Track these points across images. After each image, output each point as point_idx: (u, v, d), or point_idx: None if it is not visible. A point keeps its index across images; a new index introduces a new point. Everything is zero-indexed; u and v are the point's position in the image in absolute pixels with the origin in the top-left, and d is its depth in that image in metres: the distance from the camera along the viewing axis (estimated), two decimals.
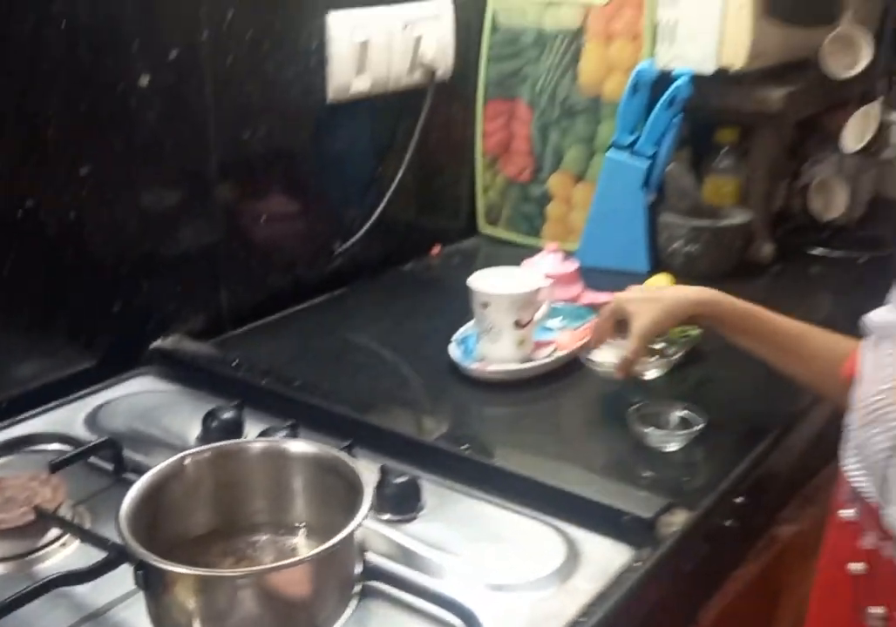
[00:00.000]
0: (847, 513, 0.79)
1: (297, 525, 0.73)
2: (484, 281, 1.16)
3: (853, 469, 0.78)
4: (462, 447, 0.94)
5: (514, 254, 1.42)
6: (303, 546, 0.72)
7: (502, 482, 0.89)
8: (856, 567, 0.78)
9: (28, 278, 1.03)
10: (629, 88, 1.41)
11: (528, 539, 0.83)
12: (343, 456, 0.70)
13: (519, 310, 1.14)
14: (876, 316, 0.81)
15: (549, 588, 0.76)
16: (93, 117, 1.06)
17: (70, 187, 1.05)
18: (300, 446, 0.72)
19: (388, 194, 1.44)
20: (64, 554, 0.81)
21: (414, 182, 1.51)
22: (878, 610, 0.76)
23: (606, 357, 1.09)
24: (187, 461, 0.71)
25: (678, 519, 0.84)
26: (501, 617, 0.73)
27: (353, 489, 0.68)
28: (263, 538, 0.73)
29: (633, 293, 1.04)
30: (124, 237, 1.12)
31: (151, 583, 0.62)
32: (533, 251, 1.42)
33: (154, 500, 0.68)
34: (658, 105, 1.40)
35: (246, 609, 0.61)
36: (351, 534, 0.63)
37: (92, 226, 1.08)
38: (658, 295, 1.02)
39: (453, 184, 1.61)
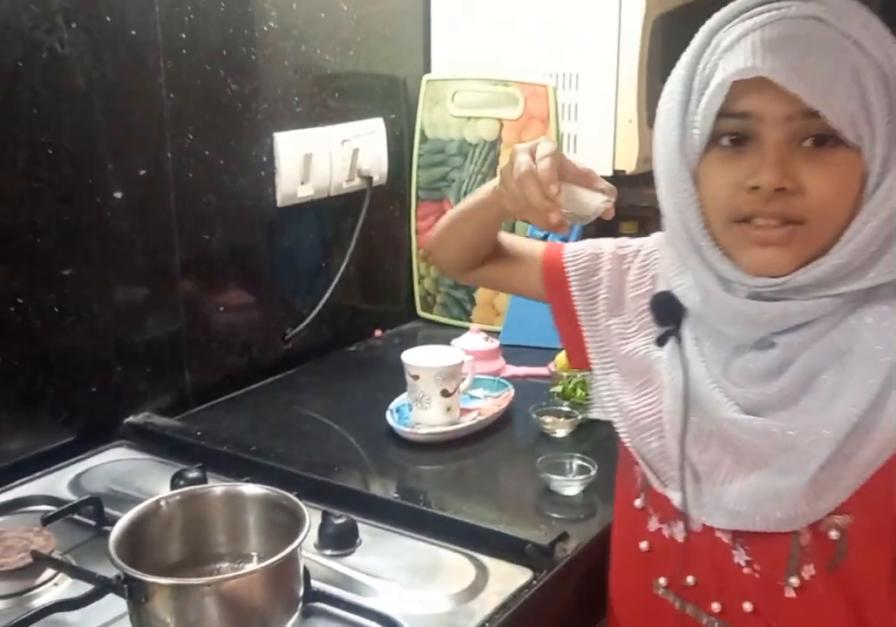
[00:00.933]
0: (638, 502, 0.95)
1: (251, 554, 0.90)
2: (415, 356, 1.35)
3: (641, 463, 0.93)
4: (393, 495, 1.11)
5: (447, 335, 1.61)
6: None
7: (426, 522, 1.06)
8: (644, 545, 0.94)
9: (16, 364, 1.20)
10: None
11: (447, 564, 1.00)
12: (289, 495, 0.87)
13: (444, 380, 1.32)
14: None
15: (462, 602, 0.93)
16: (74, 226, 1.25)
17: (54, 286, 1.23)
18: (253, 489, 0.89)
19: (334, 284, 1.63)
20: (56, 591, 0.96)
21: (357, 273, 1.71)
22: (662, 580, 0.93)
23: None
24: (162, 502, 0.88)
25: (571, 546, 1.01)
26: (422, 624, 0.89)
27: (297, 521, 0.85)
28: (224, 565, 0.89)
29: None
30: (100, 327, 1.30)
31: (135, 594, 0.77)
32: (464, 332, 1.61)
33: (135, 534, 0.84)
34: None
35: (210, 614, 0.77)
36: (294, 551, 0.80)
37: (72, 319, 1.26)
38: None
39: (392, 274, 1.82)
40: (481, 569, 0.98)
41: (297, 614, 0.84)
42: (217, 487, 0.89)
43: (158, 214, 1.36)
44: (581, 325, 0.99)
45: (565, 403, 1.35)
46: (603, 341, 0.97)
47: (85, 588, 0.92)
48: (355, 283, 1.72)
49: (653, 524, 0.93)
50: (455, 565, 0.99)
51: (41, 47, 1.19)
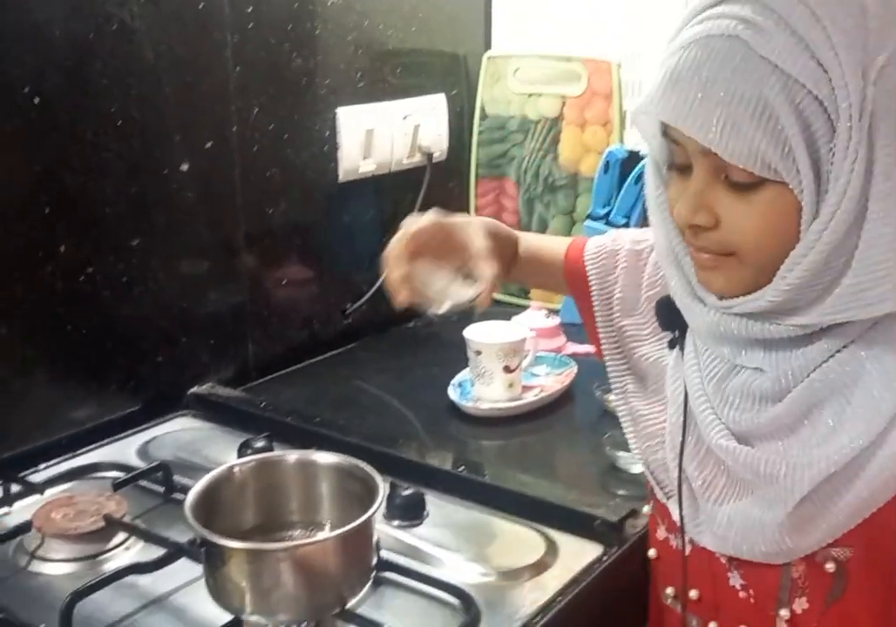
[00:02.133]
0: (646, 509, 0.93)
1: (323, 522, 0.90)
2: (477, 332, 1.34)
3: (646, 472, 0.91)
4: (459, 468, 1.11)
5: (506, 313, 1.60)
6: None
7: (494, 496, 1.06)
8: (652, 553, 0.92)
9: (85, 333, 1.21)
10: (601, 167, 1.61)
11: (515, 538, 0.99)
12: (362, 464, 0.87)
13: (507, 356, 1.31)
14: None
15: (532, 575, 0.93)
16: (141, 198, 1.26)
17: (122, 257, 1.24)
18: (327, 457, 0.89)
19: None
20: (128, 555, 0.97)
21: None
22: (670, 590, 0.90)
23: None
24: (235, 469, 0.88)
25: (640, 523, 1.00)
26: (491, 598, 0.89)
27: (369, 490, 0.85)
28: (296, 532, 0.89)
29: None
30: (165, 298, 1.31)
31: (211, 558, 0.78)
32: (522, 310, 1.61)
33: (210, 499, 0.85)
34: (627, 181, 1.59)
35: (285, 580, 0.77)
36: (369, 519, 0.80)
37: (140, 289, 1.27)
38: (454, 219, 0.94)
39: None
40: (550, 543, 0.97)
41: (369, 583, 0.84)
42: (290, 455, 0.90)
43: (223, 187, 1.37)
44: (597, 325, 0.95)
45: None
46: (617, 342, 0.93)
47: (156, 552, 0.93)
48: None
49: (661, 532, 0.90)
50: (524, 538, 0.99)
51: (111, 20, 1.19)
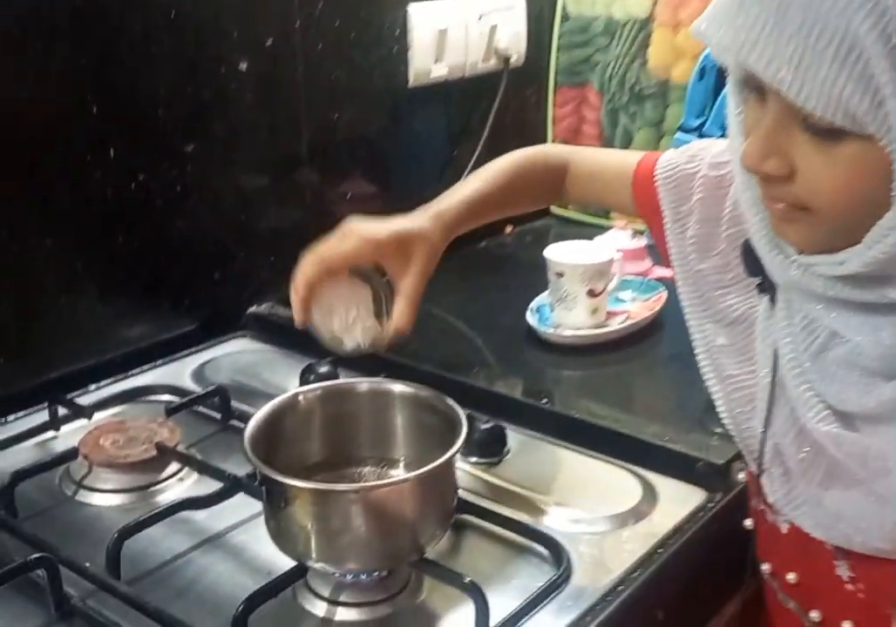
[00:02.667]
0: (741, 475, 0.83)
1: (398, 458, 0.80)
2: (559, 252, 1.22)
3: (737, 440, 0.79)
4: (542, 401, 1.00)
5: (583, 234, 1.47)
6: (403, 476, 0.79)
7: (582, 432, 0.96)
8: (748, 523, 0.81)
9: (138, 247, 1.12)
10: (696, 73, 1.46)
11: (607, 480, 0.89)
12: (442, 396, 0.77)
13: (592, 279, 1.20)
14: None
15: (629, 523, 0.83)
16: (197, 99, 1.15)
17: (176, 163, 1.14)
18: (402, 387, 0.79)
19: (465, 175, 1.50)
20: (182, 487, 0.89)
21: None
22: (766, 567, 0.79)
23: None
24: (300, 397, 0.79)
25: None
26: (584, 548, 0.79)
27: (449, 425, 0.75)
28: (367, 469, 0.80)
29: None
30: (223, 210, 1.21)
31: (273, 498, 0.69)
32: (602, 230, 1.48)
33: (271, 430, 0.75)
34: (724, 89, 1.44)
35: (356, 523, 0.68)
36: (450, 460, 0.70)
37: (195, 199, 1.17)
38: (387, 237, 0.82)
39: None
40: (647, 488, 0.87)
41: (448, 529, 0.75)
42: (362, 383, 0.80)
43: (285, 90, 1.25)
44: (673, 265, 0.82)
45: None
46: (696, 289, 0.80)
47: (211, 485, 0.85)
48: None
49: (756, 503, 0.79)
50: (617, 481, 0.89)
51: None
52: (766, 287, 0.72)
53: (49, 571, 0.72)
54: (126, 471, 0.88)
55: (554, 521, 0.83)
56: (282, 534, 0.71)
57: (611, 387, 1.11)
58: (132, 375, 1.10)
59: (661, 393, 1.11)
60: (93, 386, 1.07)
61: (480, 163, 1.52)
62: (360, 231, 0.81)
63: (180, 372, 1.11)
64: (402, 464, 0.80)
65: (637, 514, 0.83)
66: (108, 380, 1.08)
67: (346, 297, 0.78)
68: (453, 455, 0.70)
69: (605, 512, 0.84)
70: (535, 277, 1.39)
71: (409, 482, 0.70)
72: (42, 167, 1.02)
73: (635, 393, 1.12)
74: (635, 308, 1.27)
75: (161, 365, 1.12)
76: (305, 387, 0.80)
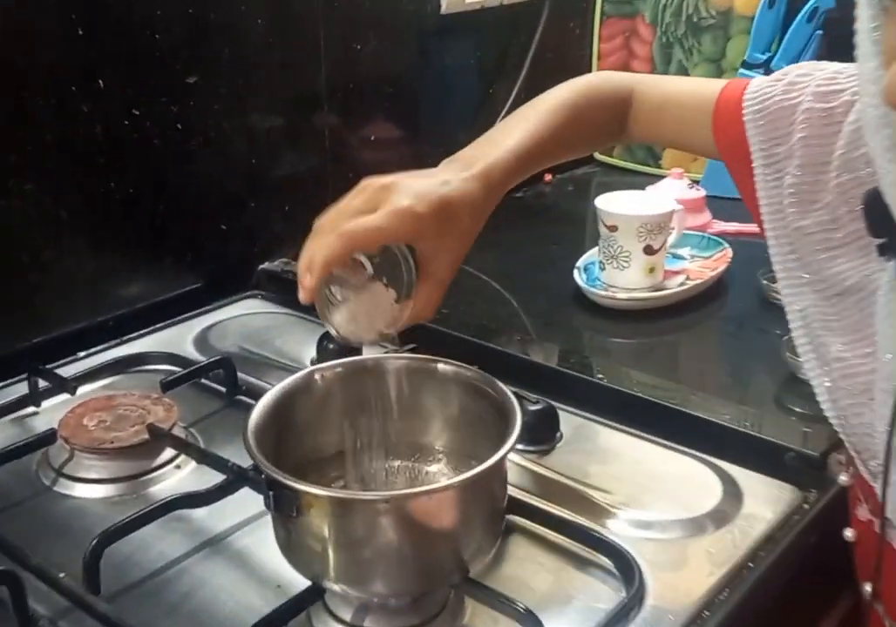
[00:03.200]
0: (843, 477, 0.69)
1: (435, 449, 0.66)
2: (612, 202, 1.07)
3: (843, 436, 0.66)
4: (597, 376, 0.86)
5: (630, 183, 1.33)
6: (442, 474, 0.65)
7: (645, 414, 0.82)
8: (849, 534, 0.68)
9: (133, 194, 0.98)
10: (765, 1, 1.30)
11: (680, 474, 0.75)
12: (489, 377, 0.63)
13: (650, 233, 1.05)
14: None
15: (709, 528, 0.69)
16: (200, 22, 1.00)
17: (177, 97, 0.99)
18: (443, 365, 0.65)
19: (500, 117, 1.35)
20: (178, 477, 0.76)
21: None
22: (868, 587, 0.66)
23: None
24: (317, 376, 0.65)
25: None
26: (658, 559, 0.66)
27: (498, 412, 0.61)
28: (398, 463, 0.66)
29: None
30: (230, 152, 1.06)
31: (282, 506, 0.56)
32: (652, 179, 1.33)
33: (281, 417, 0.62)
34: (797, 19, 1.28)
35: (386, 539, 0.55)
36: (502, 460, 0.56)
37: (198, 140, 1.02)
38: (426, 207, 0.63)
39: None
40: (729, 483, 0.73)
41: (498, 541, 0.61)
42: (390, 359, 0.66)
43: (302, 17, 1.10)
44: (763, 221, 0.67)
45: None
46: (794, 249, 0.66)
47: (213, 476, 0.71)
48: None
49: (863, 512, 0.65)
50: (693, 475, 0.75)
51: None
52: (890, 249, 0.57)
53: (12, 588, 0.59)
54: (113, 458, 0.75)
55: (620, 525, 0.69)
56: (294, 549, 0.58)
57: (673, 359, 0.97)
58: (126, 341, 0.96)
59: (733, 367, 0.97)
60: (82, 353, 0.94)
61: (518, 103, 1.37)
62: (393, 201, 0.63)
63: (181, 338, 0.97)
64: (440, 458, 0.66)
65: (719, 517, 0.70)
66: (98, 348, 0.94)
67: (363, 287, 0.63)
68: (507, 452, 0.56)
69: (680, 513, 0.70)
70: (580, 231, 1.25)
71: (453, 489, 0.56)
72: (19, 98, 0.88)
73: (703, 366, 0.97)
74: (694, 267, 1.13)
75: (159, 330, 0.99)
76: (323, 365, 0.65)
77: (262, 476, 0.57)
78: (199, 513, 0.70)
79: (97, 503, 0.74)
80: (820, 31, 1.29)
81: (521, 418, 0.58)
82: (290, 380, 0.64)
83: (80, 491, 0.75)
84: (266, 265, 1.11)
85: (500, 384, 0.63)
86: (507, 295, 1.12)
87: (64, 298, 0.94)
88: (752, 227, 1.27)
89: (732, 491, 0.72)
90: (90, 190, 0.95)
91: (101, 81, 0.93)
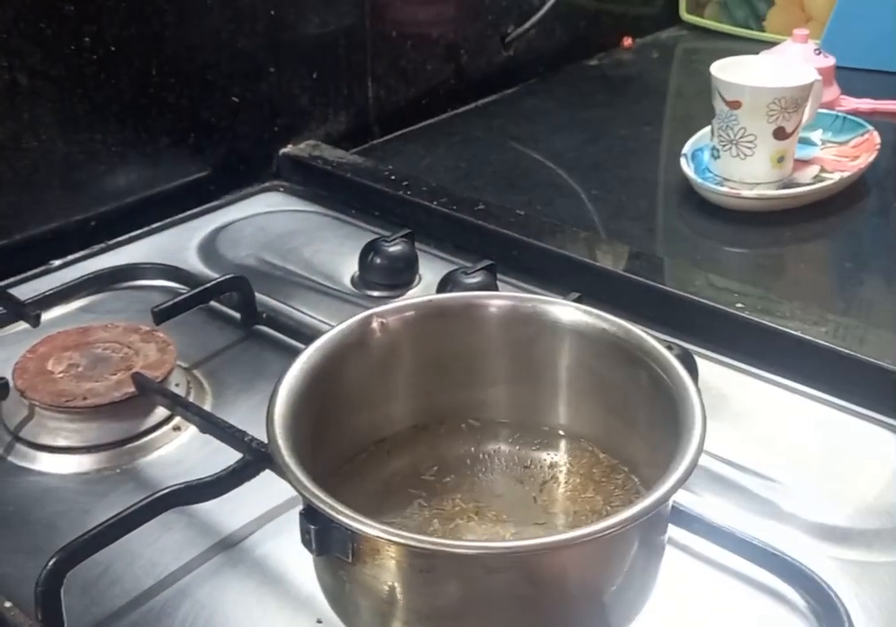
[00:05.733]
0: None
1: (553, 429, 0.45)
2: (732, 70, 0.83)
3: None
4: (736, 304, 0.64)
5: (726, 50, 1.07)
6: (564, 467, 0.44)
7: (801, 359, 0.60)
8: None
9: (116, 51, 0.74)
10: None
11: (868, 451, 0.54)
12: (648, 337, 0.41)
13: (783, 112, 0.81)
14: None
15: None
16: None
17: None
18: (568, 311, 0.43)
19: None
20: (178, 443, 0.56)
21: None
22: None
23: None
24: (375, 324, 0.43)
25: None
26: (867, 591, 0.45)
27: (657, 387, 0.40)
28: (499, 447, 0.45)
29: None
30: (243, 4, 0.82)
31: (329, 545, 0.35)
32: (753, 46, 1.09)
33: (324, 385, 0.41)
34: None
35: (493, 605, 0.34)
36: (685, 478, 0.35)
37: None
38: None
39: None
40: None
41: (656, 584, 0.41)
42: (492, 300, 0.43)
43: None
44: None
45: None
46: None
47: (223, 452, 0.51)
48: None
49: None
50: (882, 450, 0.54)
51: None
52: None
53: None
54: (88, 418, 0.55)
55: (802, 535, 0.49)
56: (347, 604, 0.38)
57: (821, 282, 0.75)
58: (109, 249, 0.74)
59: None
60: (55, 263, 0.73)
61: None
62: None
63: (183, 243, 0.75)
64: (562, 442, 0.45)
65: None
66: (71, 257, 0.73)
67: None
68: (689, 472, 0.34)
69: (882, 518, 0.49)
70: (676, 108, 1.00)
71: (612, 533, 0.34)
72: None
73: (865, 291, 0.74)
74: (830, 156, 0.89)
75: (152, 234, 0.76)
76: (384, 307, 0.44)
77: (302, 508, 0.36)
78: (205, 503, 0.50)
79: (67, 480, 0.53)
80: None
81: (702, 410, 0.37)
82: (333, 334, 0.42)
83: (44, 463, 0.54)
84: (289, 148, 0.87)
85: (657, 344, 0.41)
86: (591, 191, 0.88)
87: (25, 192, 0.72)
88: (890, 104, 1.04)
89: None
90: (57, 46, 0.71)
91: None
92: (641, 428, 0.40)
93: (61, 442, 0.55)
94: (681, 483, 0.34)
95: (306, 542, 0.36)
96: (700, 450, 0.35)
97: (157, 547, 0.49)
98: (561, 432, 0.45)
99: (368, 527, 0.33)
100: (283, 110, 0.87)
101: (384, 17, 0.94)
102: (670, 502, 0.38)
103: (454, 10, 1.02)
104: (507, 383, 0.45)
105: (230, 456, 0.51)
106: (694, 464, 0.35)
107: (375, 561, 0.34)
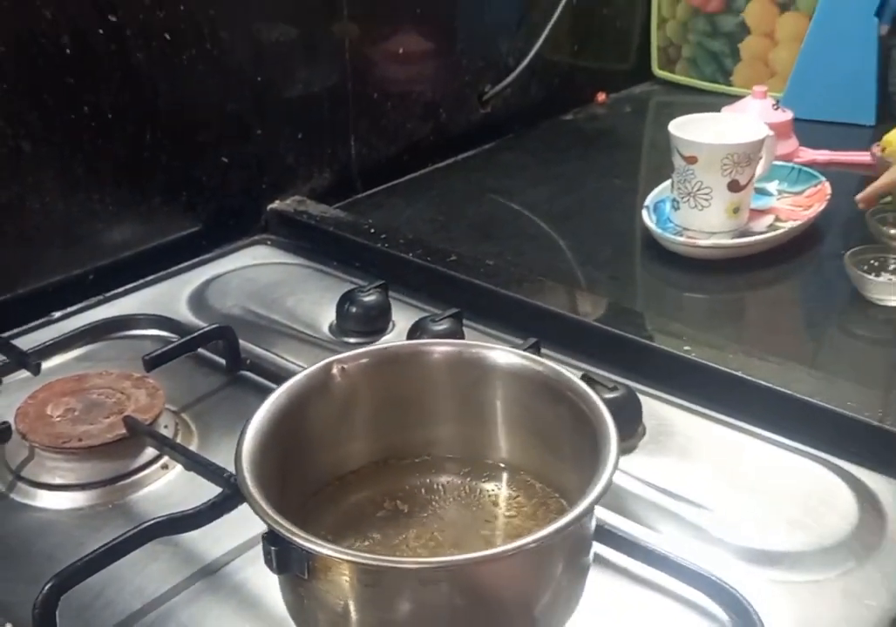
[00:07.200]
0: None
1: (494, 462, 0.50)
2: (689, 127, 0.89)
3: None
4: (683, 347, 0.70)
5: (695, 104, 1.14)
6: (504, 496, 0.50)
7: (746, 400, 0.65)
8: None
9: (112, 119, 0.81)
10: None
11: (796, 481, 0.59)
12: (569, 375, 0.47)
13: (736, 166, 0.87)
14: None
15: (849, 565, 0.53)
16: None
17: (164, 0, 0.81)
18: (504, 354, 0.49)
19: (548, 27, 1.16)
20: (166, 480, 0.61)
21: (578, 14, 1.22)
22: None
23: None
24: (336, 370, 0.49)
25: None
26: (787, 610, 0.50)
27: (581, 421, 0.45)
28: (451, 479, 0.50)
29: None
30: (232, 68, 0.88)
31: (287, 563, 0.40)
32: (720, 99, 1.15)
33: (289, 425, 0.46)
34: None
35: (431, 609, 0.39)
36: (600, 496, 0.40)
37: (190, 53, 0.84)
38: None
39: (624, 16, 1.31)
40: (864, 494, 0.57)
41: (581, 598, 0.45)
42: (437, 346, 0.49)
43: None
44: None
45: None
46: None
47: (206, 488, 0.56)
48: (577, 28, 1.23)
49: None
50: (814, 482, 0.59)
51: None
52: None
53: None
54: (83, 458, 0.60)
55: (729, 557, 0.53)
56: (306, 619, 0.43)
57: (771, 325, 0.80)
58: (105, 301, 0.80)
59: (846, 336, 0.79)
60: (57, 314, 0.78)
61: (566, 13, 1.19)
62: None
63: (173, 295, 0.81)
64: (503, 475, 0.50)
65: (860, 545, 0.54)
66: (70, 309, 0.79)
67: None
68: (604, 491, 0.40)
69: (809, 540, 0.54)
70: (646, 160, 1.06)
71: (539, 544, 0.39)
72: None
73: (809, 334, 0.80)
74: (785, 206, 0.95)
75: (146, 287, 0.82)
76: (344, 355, 0.49)
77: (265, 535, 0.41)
78: (189, 533, 0.55)
79: (63, 515, 0.58)
80: None
81: (616, 439, 0.42)
82: (298, 378, 0.47)
83: (45, 499, 0.59)
84: (276, 204, 0.93)
85: (580, 383, 0.46)
86: (561, 241, 0.94)
87: (28, 248, 0.77)
88: (846, 156, 1.10)
89: (870, 506, 0.56)
90: (58, 115, 0.77)
91: None
92: (570, 458, 0.45)
93: (59, 481, 0.60)
94: (593, 504, 0.39)
95: (268, 562, 0.41)
96: (611, 478, 0.40)
97: (146, 574, 0.53)
98: (502, 464, 0.50)
99: (320, 547, 0.38)
100: (270, 168, 0.93)
101: (365, 78, 1.01)
102: (592, 522, 0.43)
103: (433, 71, 1.09)
104: (455, 422, 0.50)
105: (214, 492, 0.56)
106: (606, 488, 0.40)
107: (328, 578, 0.39)
